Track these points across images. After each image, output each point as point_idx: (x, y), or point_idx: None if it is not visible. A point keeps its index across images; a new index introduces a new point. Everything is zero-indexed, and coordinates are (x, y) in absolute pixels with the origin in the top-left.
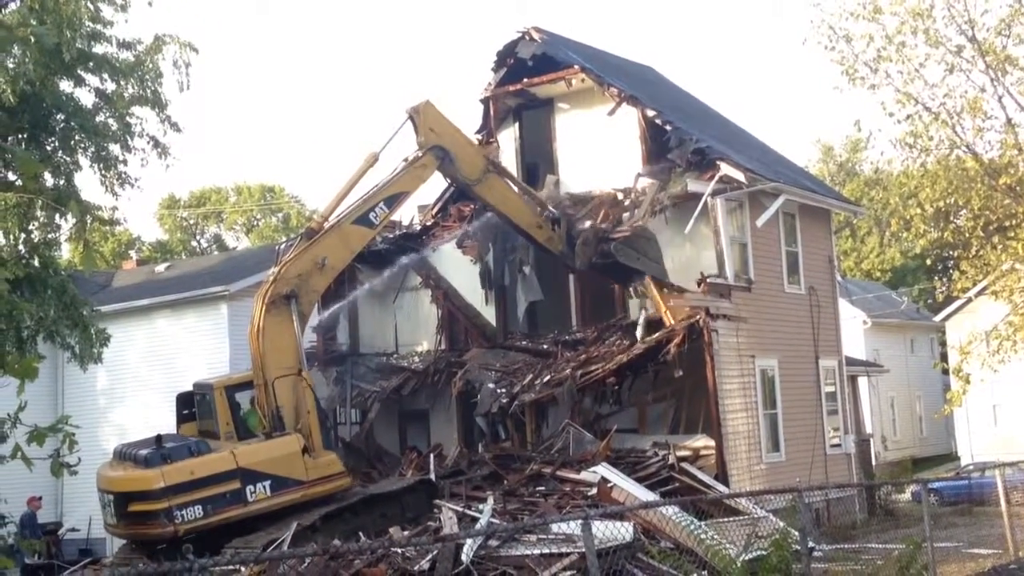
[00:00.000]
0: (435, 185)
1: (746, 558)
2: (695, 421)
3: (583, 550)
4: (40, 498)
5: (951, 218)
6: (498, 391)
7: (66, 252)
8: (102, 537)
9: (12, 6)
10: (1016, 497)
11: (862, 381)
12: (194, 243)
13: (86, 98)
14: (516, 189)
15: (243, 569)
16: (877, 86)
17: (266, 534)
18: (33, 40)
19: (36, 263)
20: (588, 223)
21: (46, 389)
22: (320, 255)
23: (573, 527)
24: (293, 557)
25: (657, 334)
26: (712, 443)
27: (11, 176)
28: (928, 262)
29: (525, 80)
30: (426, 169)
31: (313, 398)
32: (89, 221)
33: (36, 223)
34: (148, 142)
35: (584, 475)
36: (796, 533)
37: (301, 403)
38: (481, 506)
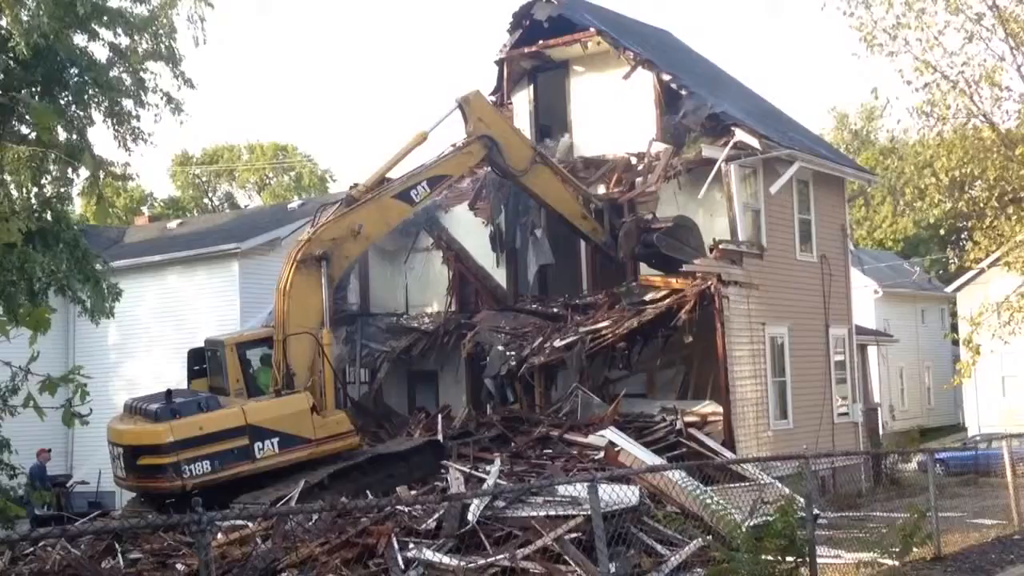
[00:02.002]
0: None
1: (751, 523)
2: (704, 387)
3: (589, 512)
4: (49, 450)
5: (966, 188)
6: (507, 353)
7: (78, 207)
8: (111, 490)
9: None
10: (1022, 469)
11: (871, 350)
12: (206, 200)
13: (100, 52)
14: (562, 180)
15: (251, 524)
16: (895, 53)
17: (274, 490)
18: None
19: (48, 217)
20: (630, 216)
21: (57, 343)
22: (357, 222)
23: (579, 490)
24: (300, 513)
25: (668, 300)
26: (720, 409)
27: (24, 129)
28: (941, 232)
29: (541, 42)
30: (472, 157)
31: (328, 357)
32: (102, 176)
33: (49, 177)
34: (162, 98)
35: (592, 439)
36: (801, 500)
37: (316, 362)
38: (488, 467)
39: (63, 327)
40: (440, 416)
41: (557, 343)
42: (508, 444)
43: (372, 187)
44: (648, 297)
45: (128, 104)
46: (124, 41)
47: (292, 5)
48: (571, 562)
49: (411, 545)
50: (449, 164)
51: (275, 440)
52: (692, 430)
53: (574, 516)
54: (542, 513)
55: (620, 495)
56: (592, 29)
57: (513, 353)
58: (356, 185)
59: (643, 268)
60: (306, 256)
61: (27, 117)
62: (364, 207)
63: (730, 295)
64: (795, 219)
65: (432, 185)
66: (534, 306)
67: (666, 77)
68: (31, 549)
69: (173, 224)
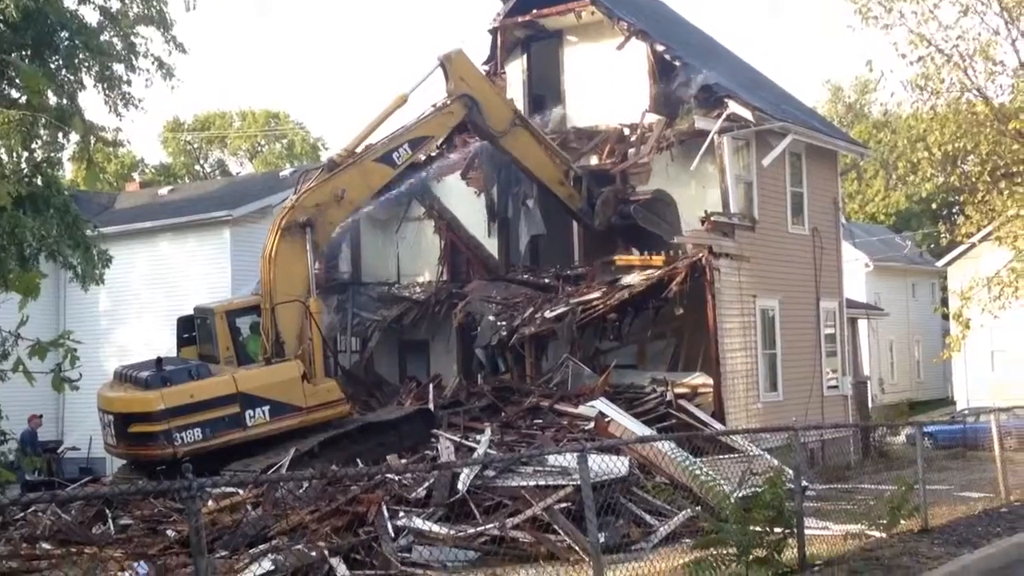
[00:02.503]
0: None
1: (740, 495)
2: (694, 359)
3: (578, 483)
4: (40, 416)
5: (959, 162)
6: (498, 323)
7: (69, 172)
8: (102, 456)
9: None
10: (1009, 442)
11: (862, 324)
12: (197, 167)
13: (91, 16)
14: (541, 144)
15: (241, 491)
16: (890, 26)
17: (265, 458)
18: None
19: (39, 182)
20: (609, 187)
21: (48, 309)
22: (340, 187)
23: (569, 460)
24: (291, 480)
25: (659, 272)
26: (710, 381)
27: (15, 93)
28: (933, 206)
29: (534, 11)
30: (453, 116)
31: (318, 325)
32: (92, 141)
33: (39, 141)
34: (153, 63)
35: (582, 409)
36: (790, 471)
37: (305, 330)
38: (478, 437)
39: (53, 293)
40: (431, 385)
41: (548, 314)
42: (498, 414)
43: (353, 151)
44: (627, 279)
45: (119, 69)
46: (115, 4)
47: None
48: (560, 531)
49: (401, 514)
50: (430, 125)
51: (266, 408)
52: (682, 401)
53: (564, 486)
54: (532, 483)
55: (610, 465)
56: None
57: (504, 323)
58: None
59: (627, 253)
60: (290, 223)
61: (17, 81)
62: (346, 172)
63: (721, 267)
64: (787, 192)
65: (414, 147)
66: (526, 276)
67: (660, 48)
68: (21, 515)
69: (164, 191)
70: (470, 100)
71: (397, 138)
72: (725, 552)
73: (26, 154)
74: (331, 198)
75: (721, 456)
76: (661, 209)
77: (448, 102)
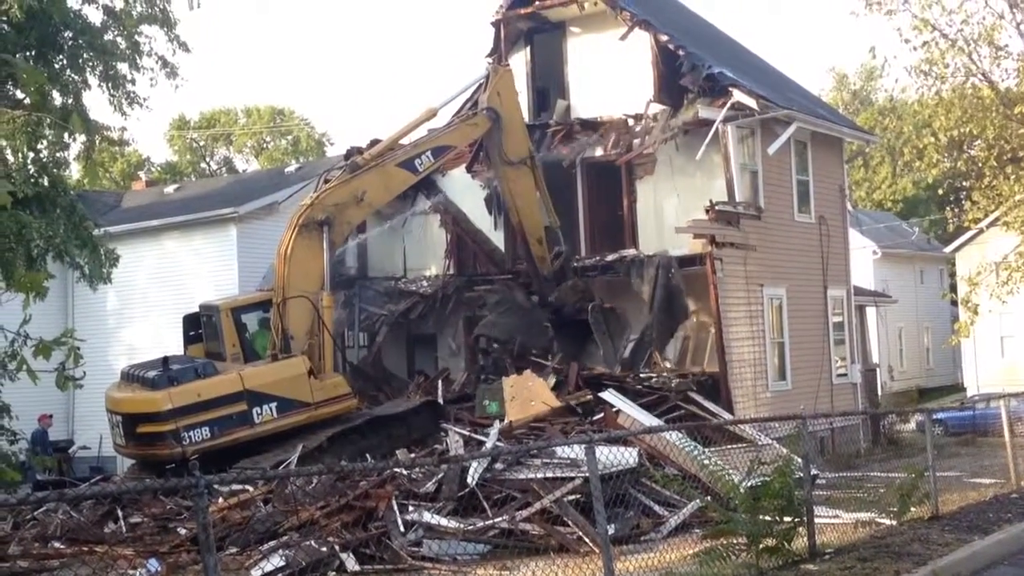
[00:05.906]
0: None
1: (749, 484)
2: (703, 349)
3: (587, 474)
4: (51, 416)
5: (965, 147)
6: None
7: (75, 172)
8: (113, 456)
9: None
10: (1020, 428)
11: (870, 311)
12: (203, 165)
13: (94, 16)
14: (540, 196)
15: (250, 488)
16: (894, 12)
17: (273, 455)
18: None
19: (45, 182)
20: (583, 281)
21: (56, 309)
22: (360, 189)
23: (578, 451)
24: (299, 476)
25: None
26: (718, 371)
27: (20, 94)
28: (940, 192)
29: (537, 2)
30: (477, 128)
31: (327, 322)
32: (98, 140)
33: (45, 142)
34: (157, 62)
35: None
36: (799, 460)
37: (315, 326)
38: (487, 430)
39: (62, 293)
40: (439, 379)
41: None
42: None
43: (377, 156)
44: None
45: (123, 68)
46: (118, 4)
47: None
48: (570, 523)
49: (411, 508)
50: (455, 135)
51: (273, 405)
52: (690, 393)
53: (573, 478)
54: (541, 475)
55: (619, 457)
56: None
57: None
58: (360, 151)
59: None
60: (308, 220)
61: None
62: (368, 174)
63: (724, 257)
64: (793, 180)
65: (436, 155)
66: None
67: (663, 38)
68: (32, 515)
69: (170, 189)
70: (495, 115)
71: (421, 145)
72: (735, 542)
73: (32, 155)
74: (351, 198)
75: (730, 446)
76: (615, 327)
77: (474, 113)
